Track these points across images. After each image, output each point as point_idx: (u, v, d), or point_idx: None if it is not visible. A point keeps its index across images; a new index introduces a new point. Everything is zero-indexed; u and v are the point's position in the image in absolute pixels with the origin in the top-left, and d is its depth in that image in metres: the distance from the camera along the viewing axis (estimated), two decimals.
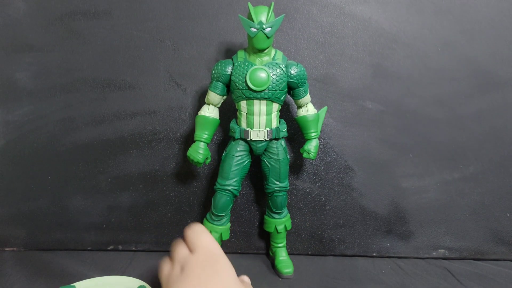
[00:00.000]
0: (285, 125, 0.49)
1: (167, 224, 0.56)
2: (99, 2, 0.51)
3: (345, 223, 0.55)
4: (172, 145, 0.54)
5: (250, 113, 0.47)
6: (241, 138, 0.48)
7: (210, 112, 0.48)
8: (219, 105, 0.49)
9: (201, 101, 0.54)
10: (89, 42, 0.52)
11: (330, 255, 0.55)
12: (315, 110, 0.50)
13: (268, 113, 0.47)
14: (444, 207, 0.56)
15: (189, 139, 0.54)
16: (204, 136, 0.48)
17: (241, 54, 0.47)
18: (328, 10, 0.52)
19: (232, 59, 0.47)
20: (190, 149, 0.48)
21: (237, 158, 0.48)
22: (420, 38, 0.53)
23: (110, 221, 0.55)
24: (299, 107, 0.50)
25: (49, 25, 0.52)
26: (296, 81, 0.47)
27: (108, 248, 0.55)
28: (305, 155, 0.50)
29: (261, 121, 0.47)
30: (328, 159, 0.55)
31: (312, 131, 0.50)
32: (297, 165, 0.56)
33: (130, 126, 0.53)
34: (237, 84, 0.46)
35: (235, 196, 0.49)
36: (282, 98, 0.47)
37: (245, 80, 0.45)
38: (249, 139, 0.48)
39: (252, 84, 0.45)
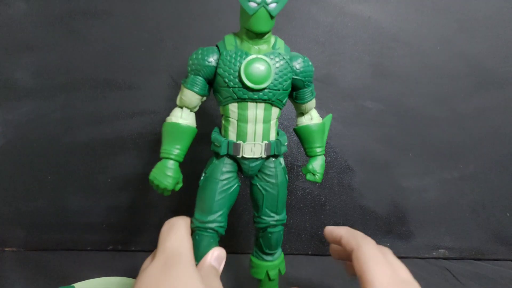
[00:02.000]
0: (285, 137, 0.38)
1: None
2: (99, 1, 0.51)
3: (345, 223, 0.55)
4: None
5: (242, 119, 0.35)
6: (228, 155, 0.36)
7: (184, 118, 0.35)
8: (195, 109, 0.36)
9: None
10: (89, 41, 0.52)
11: (330, 255, 0.55)
12: (320, 119, 0.40)
13: (266, 121, 0.35)
14: (444, 207, 0.56)
15: None
16: (174, 151, 0.34)
17: (230, 40, 0.35)
18: (328, 10, 0.52)
19: (217, 46, 0.36)
20: (154, 170, 0.34)
21: (223, 182, 0.35)
22: (419, 37, 0.53)
23: (110, 221, 0.55)
24: (301, 113, 0.40)
25: (49, 24, 0.52)
26: (302, 78, 0.36)
27: (108, 248, 0.55)
28: (308, 176, 0.39)
29: (257, 131, 0.35)
30: (328, 159, 0.55)
31: (317, 145, 0.39)
32: (297, 165, 0.56)
33: (130, 126, 0.53)
34: (226, 80, 0.34)
35: (220, 235, 0.36)
36: (284, 101, 0.36)
37: (239, 75, 0.33)
38: (239, 156, 0.35)
39: (249, 80, 0.33)
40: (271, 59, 0.34)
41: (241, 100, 0.34)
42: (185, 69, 0.53)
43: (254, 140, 0.35)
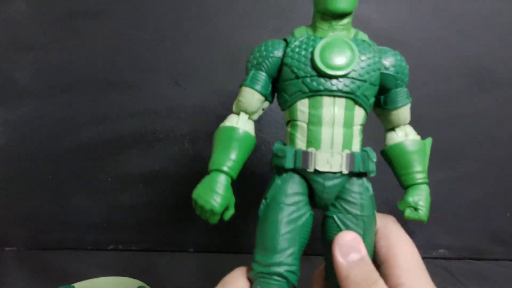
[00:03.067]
0: (374, 153, 0.29)
1: (167, 224, 0.56)
2: (99, 1, 0.51)
3: None
4: (172, 145, 0.54)
5: (314, 121, 0.26)
6: (295, 170, 0.27)
7: (241, 124, 0.28)
8: (255, 116, 0.29)
9: (201, 100, 0.53)
10: (89, 41, 0.52)
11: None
12: (419, 137, 0.31)
13: (348, 124, 0.27)
14: (443, 207, 0.56)
15: (189, 138, 0.54)
16: (227, 163, 0.27)
17: (300, 31, 0.29)
18: None
19: (285, 39, 0.29)
20: (198, 186, 0.28)
21: (290, 209, 0.26)
22: (417, 37, 0.53)
23: (110, 220, 0.55)
24: (392, 127, 0.31)
25: (50, 24, 0.52)
26: (394, 74, 0.28)
27: (108, 248, 0.55)
28: (408, 213, 0.29)
29: (334, 136, 0.26)
30: None
31: (418, 169, 0.29)
32: None
33: (130, 125, 0.53)
34: (295, 70, 0.27)
35: (292, 286, 0.26)
36: (371, 101, 0.28)
37: (312, 58, 0.26)
38: (310, 170, 0.26)
39: (324, 64, 0.26)
40: (356, 43, 0.27)
41: (313, 93, 0.26)
42: (186, 69, 0.53)
43: (331, 148, 0.26)
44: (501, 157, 0.55)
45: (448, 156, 0.55)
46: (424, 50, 0.53)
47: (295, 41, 0.28)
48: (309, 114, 0.27)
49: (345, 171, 0.26)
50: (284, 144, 0.29)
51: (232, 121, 0.28)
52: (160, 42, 0.52)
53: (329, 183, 0.27)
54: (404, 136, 0.30)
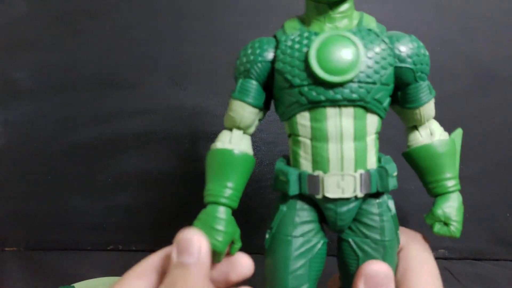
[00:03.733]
0: (393, 165, 0.24)
1: (167, 224, 0.55)
2: (99, 1, 0.51)
3: None
4: (172, 145, 0.54)
5: (319, 137, 0.22)
6: (300, 196, 0.23)
7: (234, 142, 0.24)
8: (250, 130, 0.25)
9: (202, 100, 0.53)
10: (89, 41, 0.52)
11: (330, 255, 0.55)
12: (446, 134, 0.27)
13: (359, 136, 0.22)
14: None
15: (189, 139, 0.54)
16: (225, 192, 0.24)
17: (292, 24, 0.24)
18: None
19: (275, 36, 0.24)
20: (196, 222, 0.24)
21: (299, 241, 0.23)
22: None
23: (110, 221, 0.55)
24: (414, 126, 0.27)
25: (49, 24, 0.52)
26: (411, 66, 0.24)
27: (108, 248, 0.55)
28: (438, 229, 0.26)
29: (344, 154, 0.22)
30: None
31: (448, 175, 0.25)
32: None
33: (129, 126, 0.53)
34: (288, 77, 0.22)
35: None
36: (385, 103, 0.23)
37: (307, 62, 0.21)
38: (319, 197, 0.23)
39: (323, 69, 0.21)
40: (359, 36, 0.22)
41: (314, 105, 0.22)
42: (185, 69, 0.53)
43: (342, 170, 0.22)
44: (504, 158, 0.55)
45: None
46: (427, 49, 0.53)
47: (285, 40, 0.23)
48: (312, 128, 0.22)
49: (360, 195, 0.22)
50: (288, 161, 0.25)
51: (224, 140, 0.24)
52: (160, 41, 0.52)
53: (343, 209, 0.23)
54: (429, 135, 0.26)
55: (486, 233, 0.57)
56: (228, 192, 0.24)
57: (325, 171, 0.22)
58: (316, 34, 0.22)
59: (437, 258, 0.55)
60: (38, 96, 0.52)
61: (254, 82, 0.24)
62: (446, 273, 0.52)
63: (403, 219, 0.57)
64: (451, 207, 0.25)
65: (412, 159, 0.26)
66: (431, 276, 0.24)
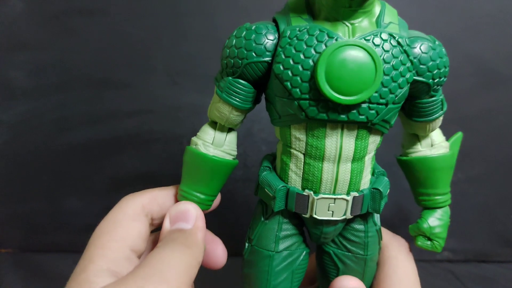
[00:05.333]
0: (386, 180, 0.23)
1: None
2: (95, 0, 0.51)
3: None
4: (170, 145, 0.53)
5: (314, 155, 0.20)
6: (286, 211, 0.22)
7: (216, 143, 0.22)
8: (238, 126, 0.23)
9: (199, 99, 0.52)
10: (85, 40, 0.51)
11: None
12: (447, 144, 0.26)
13: (358, 157, 0.20)
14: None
15: (187, 138, 0.53)
16: (199, 196, 0.22)
17: (298, 9, 0.20)
18: None
19: (275, 21, 0.20)
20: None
21: (282, 255, 0.22)
22: None
23: None
24: (415, 137, 0.25)
25: (45, 23, 0.51)
26: (430, 81, 0.21)
27: None
28: (421, 243, 0.26)
29: (340, 176, 0.20)
30: None
31: (441, 191, 0.25)
32: None
33: (126, 125, 0.52)
34: (289, 86, 0.18)
35: None
36: (392, 122, 0.21)
37: (314, 76, 0.18)
38: (306, 216, 0.21)
39: (332, 86, 0.17)
40: (377, 46, 0.18)
41: (314, 122, 0.19)
42: (183, 67, 0.52)
43: (334, 192, 0.20)
44: (508, 159, 0.54)
45: None
46: None
47: (290, 34, 0.18)
48: (307, 144, 0.19)
49: (349, 216, 0.21)
50: (272, 161, 0.22)
51: (206, 140, 0.22)
52: (156, 39, 0.51)
53: (329, 229, 0.21)
54: (430, 146, 0.24)
55: (490, 235, 0.56)
56: (201, 196, 0.22)
57: (315, 192, 0.20)
58: (330, 34, 0.18)
59: (441, 261, 0.55)
60: (33, 95, 0.52)
61: (244, 83, 0.20)
62: (450, 275, 0.51)
63: (403, 219, 0.56)
64: (438, 223, 0.25)
65: (408, 168, 0.25)
66: (409, 275, 0.25)
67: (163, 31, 0.51)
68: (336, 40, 0.18)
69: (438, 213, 0.25)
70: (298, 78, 0.18)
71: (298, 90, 0.18)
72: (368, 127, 0.20)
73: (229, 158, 0.23)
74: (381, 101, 0.18)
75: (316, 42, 0.18)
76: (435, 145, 0.24)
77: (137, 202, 0.24)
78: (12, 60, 0.52)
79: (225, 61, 0.20)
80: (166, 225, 0.22)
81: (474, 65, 0.53)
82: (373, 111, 0.19)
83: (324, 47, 0.18)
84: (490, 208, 0.55)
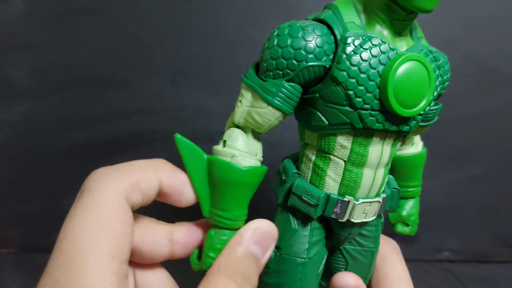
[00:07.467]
0: (392, 178, 0.25)
1: None
2: (96, 0, 0.51)
3: None
4: (171, 145, 0.53)
5: (357, 160, 0.20)
6: (322, 217, 0.22)
7: (251, 152, 0.21)
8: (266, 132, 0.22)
9: (201, 99, 0.52)
10: (86, 40, 0.51)
11: None
12: (421, 143, 0.30)
13: (390, 162, 0.22)
14: (448, 209, 0.55)
15: (187, 138, 0.53)
16: (242, 218, 0.21)
17: (349, 15, 0.19)
18: None
19: (325, 23, 0.19)
20: (206, 248, 0.22)
21: (313, 260, 0.22)
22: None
23: None
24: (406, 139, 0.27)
25: (46, 22, 0.51)
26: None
27: None
28: (400, 228, 0.29)
29: (376, 180, 0.21)
30: None
31: (415, 183, 0.28)
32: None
33: (127, 125, 0.52)
34: (353, 95, 0.18)
35: None
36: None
37: (384, 89, 0.18)
38: (343, 220, 0.21)
39: (397, 99, 0.18)
40: (428, 58, 0.20)
41: (365, 131, 0.19)
42: (184, 67, 0.52)
43: (368, 195, 0.21)
44: (508, 158, 0.54)
45: (455, 157, 0.54)
46: None
47: (351, 42, 0.18)
48: (352, 151, 0.20)
49: (375, 217, 0.22)
50: (298, 169, 0.22)
51: (236, 147, 0.20)
52: (158, 39, 0.51)
53: (357, 229, 0.22)
54: (411, 145, 0.27)
55: (490, 235, 0.56)
56: (243, 217, 0.21)
57: (354, 195, 0.21)
58: (391, 47, 0.18)
59: (441, 261, 0.55)
60: (34, 95, 0.52)
61: (298, 87, 0.19)
62: (450, 276, 0.51)
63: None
64: (414, 211, 0.28)
65: (398, 164, 0.27)
66: (406, 274, 0.26)
67: (165, 31, 0.51)
68: (396, 53, 0.19)
69: (412, 202, 0.29)
70: (363, 88, 0.18)
71: (361, 100, 0.18)
72: (403, 135, 0.21)
73: (262, 167, 0.22)
74: (423, 111, 0.20)
75: (380, 53, 0.18)
76: (415, 143, 0.28)
77: (120, 192, 0.19)
78: (13, 60, 0.52)
79: (275, 61, 0.18)
80: (245, 240, 0.18)
81: (475, 65, 0.53)
82: (415, 122, 0.20)
83: (387, 59, 0.18)
84: (490, 208, 0.55)
